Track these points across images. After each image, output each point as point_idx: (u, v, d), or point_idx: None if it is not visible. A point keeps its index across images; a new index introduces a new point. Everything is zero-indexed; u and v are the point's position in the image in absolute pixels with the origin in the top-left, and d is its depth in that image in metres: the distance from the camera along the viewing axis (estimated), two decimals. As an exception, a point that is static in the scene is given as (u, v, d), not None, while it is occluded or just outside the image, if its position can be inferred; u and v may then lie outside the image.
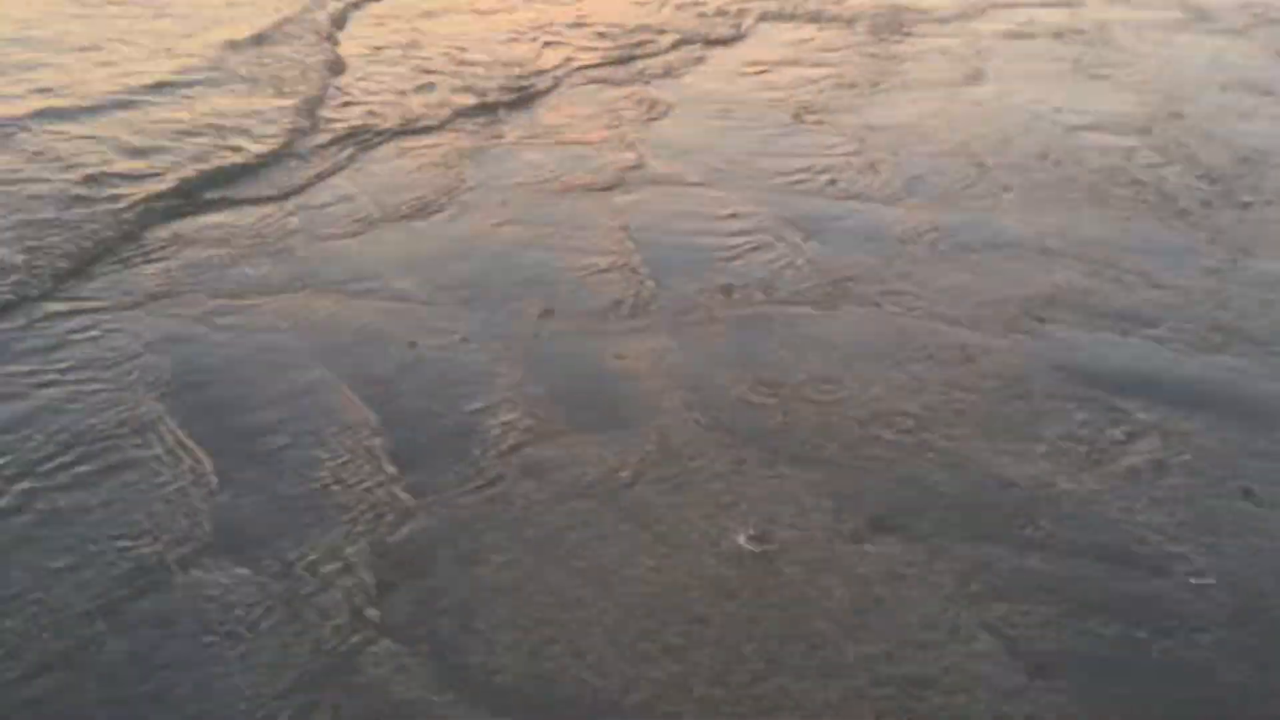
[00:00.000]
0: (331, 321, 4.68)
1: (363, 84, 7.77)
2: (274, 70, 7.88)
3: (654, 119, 7.31)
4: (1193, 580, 3.29)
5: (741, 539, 3.42)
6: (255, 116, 6.95)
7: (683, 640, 3.03)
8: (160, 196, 5.75)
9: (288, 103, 7.20)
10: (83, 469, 3.64)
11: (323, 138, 6.72)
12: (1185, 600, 3.21)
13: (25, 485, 3.55)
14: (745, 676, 2.91)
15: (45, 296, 4.75)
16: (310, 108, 7.11)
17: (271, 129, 6.75)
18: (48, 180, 5.82)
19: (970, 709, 2.83)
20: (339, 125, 6.92)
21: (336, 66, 8.06)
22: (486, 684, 2.88)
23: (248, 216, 5.65)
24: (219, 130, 6.67)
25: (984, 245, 5.52)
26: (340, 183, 6.15)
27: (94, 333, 4.49)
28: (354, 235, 5.52)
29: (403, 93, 7.58)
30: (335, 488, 3.60)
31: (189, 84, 7.40)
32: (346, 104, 7.32)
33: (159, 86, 7.24)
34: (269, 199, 5.88)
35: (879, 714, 2.81)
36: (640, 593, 3.20)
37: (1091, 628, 3.11)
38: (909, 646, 3.02)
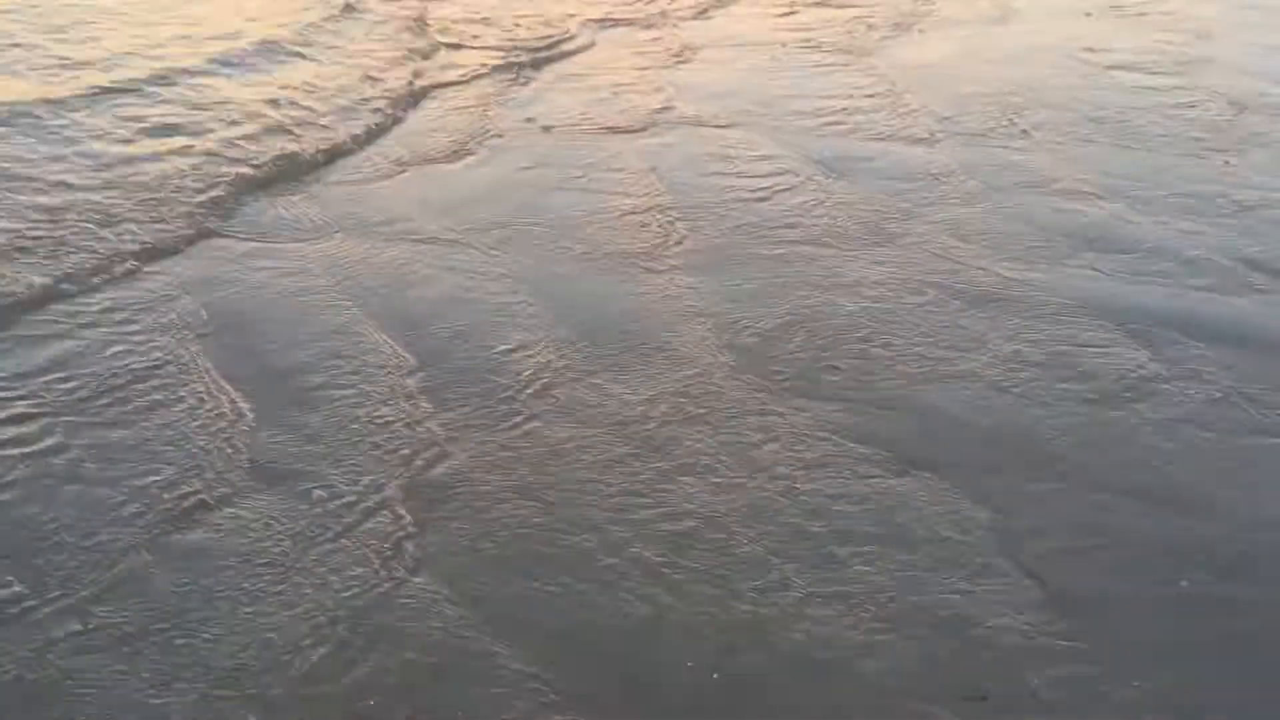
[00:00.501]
0: (365, 264, 4.71)
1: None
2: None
3: (682, 62, 7.27)
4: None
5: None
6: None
7: (713, 569, 3.06)
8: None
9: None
10: (125, 408, 3.70)
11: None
12: (1221, 539, 3.22)
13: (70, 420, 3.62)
14: (775, 604, 2.94)
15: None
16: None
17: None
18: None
19: (998, 641, 2.86)
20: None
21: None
22: (520, 620, 2.92)
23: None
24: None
25: (1014, 185, 5.49)
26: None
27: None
28: (388, 178, 5.55)
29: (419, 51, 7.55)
30: (371, 425, 3.64)
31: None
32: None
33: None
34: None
35: (905, 643, 2.84)
36: (670, 528, 3.24)
37: (1125, 566, 3.13)
38: (938, 579, 3.05)
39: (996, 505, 3.32)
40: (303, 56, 7.10)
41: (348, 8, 7.99)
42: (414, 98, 6.60)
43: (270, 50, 7.04)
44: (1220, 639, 2.89)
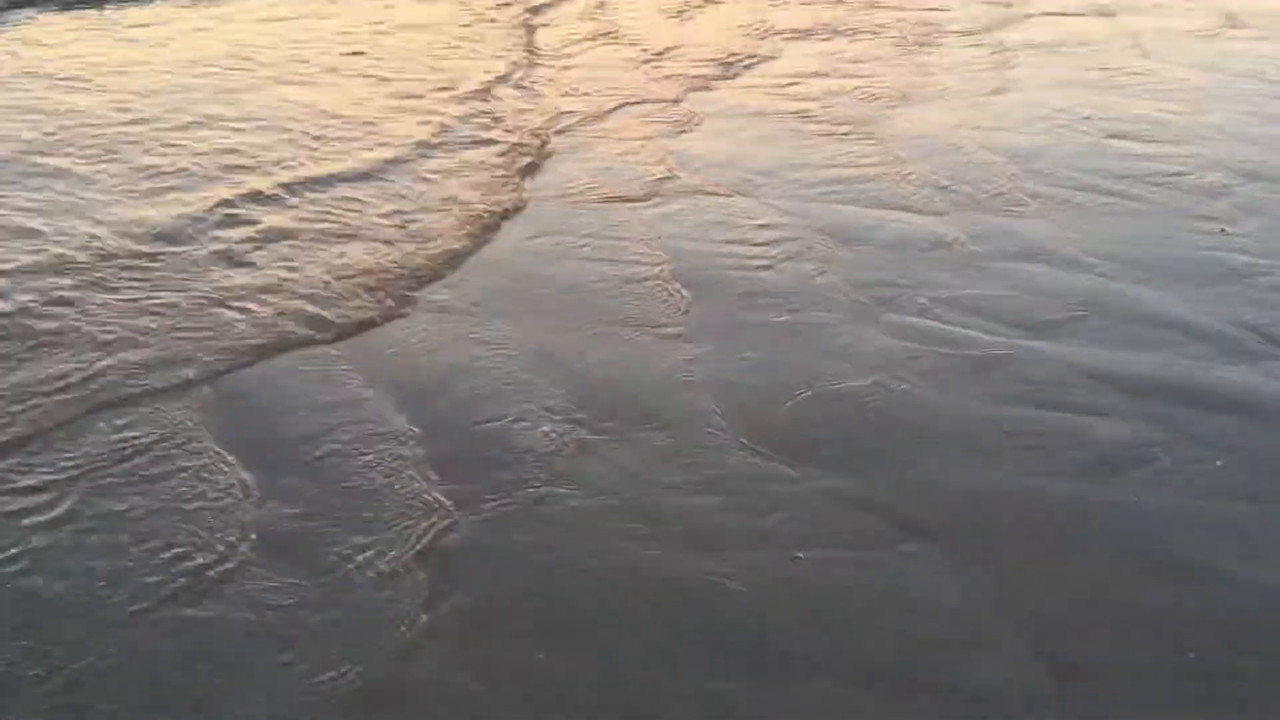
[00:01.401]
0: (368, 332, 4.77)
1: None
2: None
3: (685, 131, 7.37)
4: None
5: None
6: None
7: (718, 642, 3.08)
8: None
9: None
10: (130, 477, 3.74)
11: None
12: (1224, 609, 3.23)
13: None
14: (778, 677, 2.96)
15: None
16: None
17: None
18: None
19: (1000, 712, 2.86)
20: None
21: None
22: (531, 691, 2.93)
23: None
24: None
25: (1014, 253, 5.55)
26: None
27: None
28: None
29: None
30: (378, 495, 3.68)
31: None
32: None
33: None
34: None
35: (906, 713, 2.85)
36: (673, 597, 3.26)
37: (1126, 636, 3.14)
38: (940, 649, 3.06)
39: (997, 574, 3.34)
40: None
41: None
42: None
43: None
44: (1226, 710, 2.89)
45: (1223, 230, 5.77)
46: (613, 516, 3.60)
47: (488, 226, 5.79)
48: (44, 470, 3.74)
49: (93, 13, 9.61)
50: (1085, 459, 3.90)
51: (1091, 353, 4.58)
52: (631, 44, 9.50)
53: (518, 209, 6.02)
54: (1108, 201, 6.21)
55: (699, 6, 10.76)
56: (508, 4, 10.62)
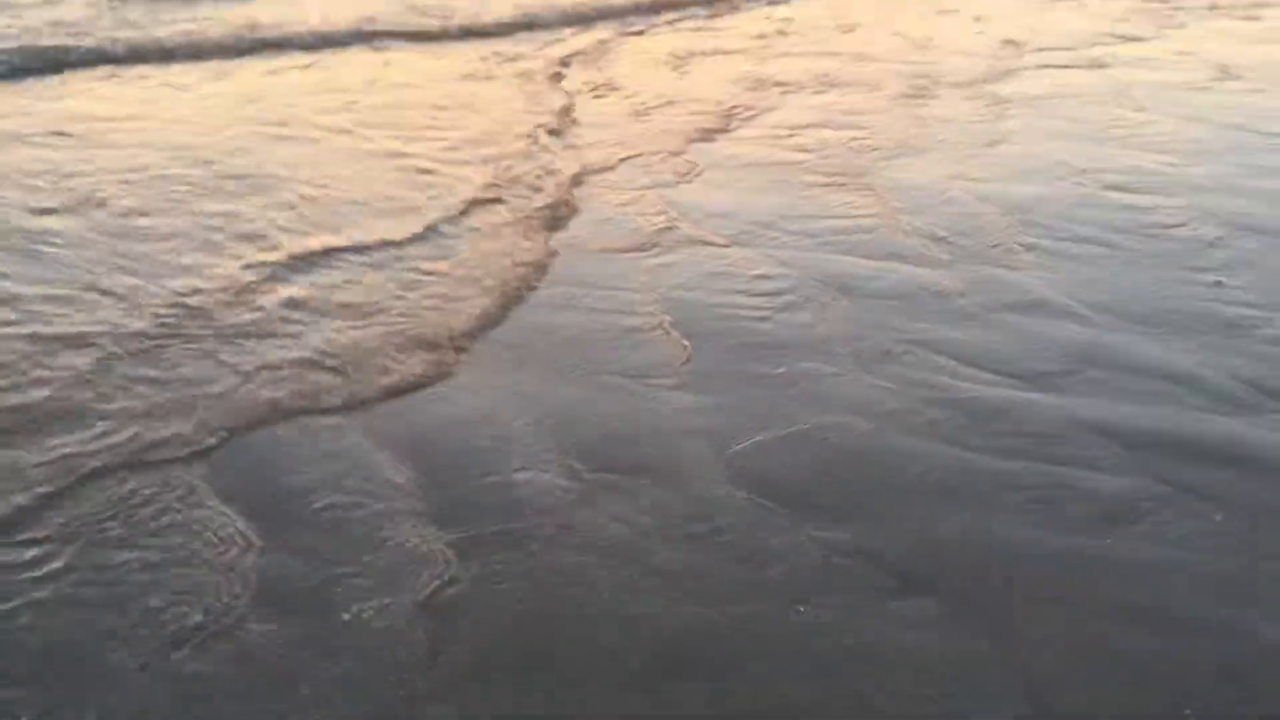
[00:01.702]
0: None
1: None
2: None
3: (685, 182, 7.43)
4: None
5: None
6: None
7: (718, 692, 3.09)
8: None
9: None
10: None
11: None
12: (1223, 664, 3.24)
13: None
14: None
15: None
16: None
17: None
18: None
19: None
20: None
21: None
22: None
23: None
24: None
25: (1013, 305, 5.59)
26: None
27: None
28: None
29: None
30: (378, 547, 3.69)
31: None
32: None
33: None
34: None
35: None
36: (674, 650, 3.27)
37: (1124, 689, 3.14)
38: (939, 702, 3.06)
39: (996, 629, 3.35)
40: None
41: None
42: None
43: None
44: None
45: (1218, 282, 5.82)
46: (613, 568, 3.61)
47: (495, 283, 5.83)
48: (42, 524, 3.76)
49: (113, 71, 9.74)
50: (1084, 512, 3.91)
51: (1089, 404, 4.60)
52: (629, 97, 9.61)
53: (521, 263, 6.05)
54: (1104, 253, 6.26)
55: (697, 59, 10.88)
56: (510, 59, 10.78)
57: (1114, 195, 7.19)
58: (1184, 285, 5.84)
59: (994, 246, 6.35)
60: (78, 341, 4.95)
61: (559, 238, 6.39)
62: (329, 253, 6.07)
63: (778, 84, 10.07)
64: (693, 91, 9.77)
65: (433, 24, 11.87)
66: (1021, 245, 6.36)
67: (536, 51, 11.11)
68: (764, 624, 3.37)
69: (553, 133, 8.43)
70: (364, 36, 11.27)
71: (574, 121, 8.74)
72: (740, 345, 5.17)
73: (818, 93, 9.84)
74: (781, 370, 4.92)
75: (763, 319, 5.44)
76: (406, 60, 10.69)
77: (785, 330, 5.32)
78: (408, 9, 12.44)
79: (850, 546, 3.72)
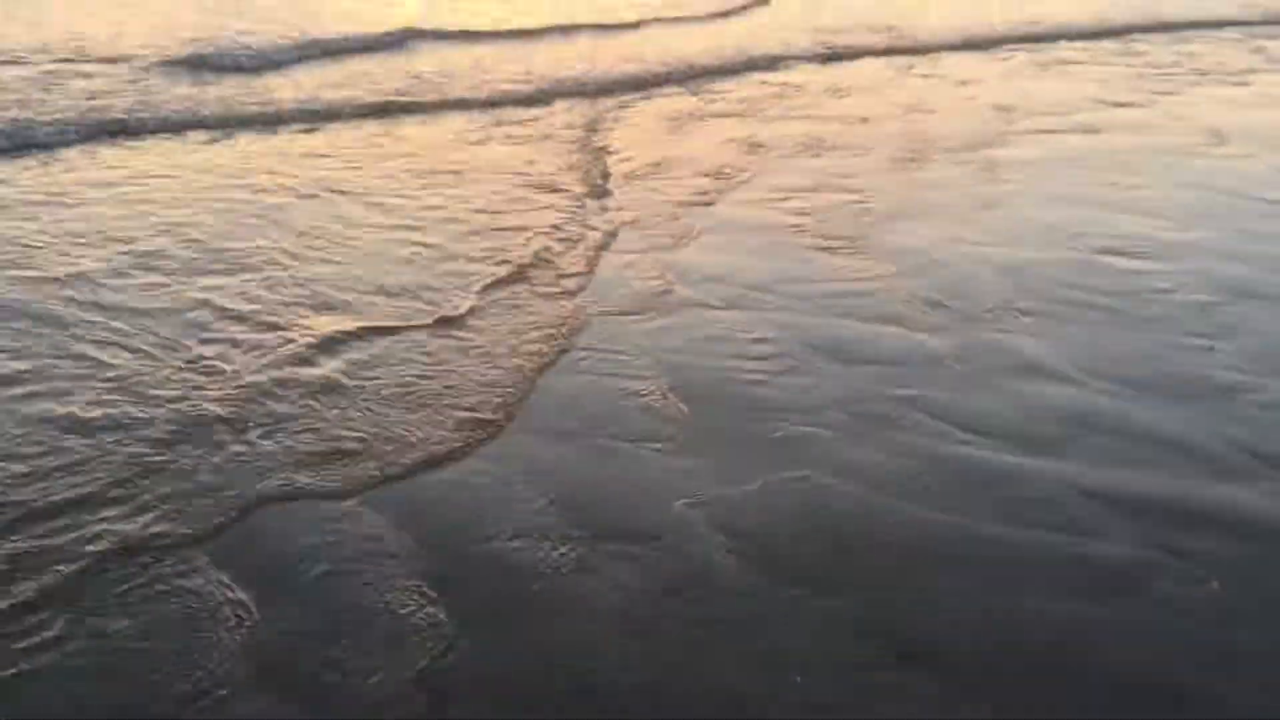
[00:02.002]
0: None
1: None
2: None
3: (682, 246, 7.49)
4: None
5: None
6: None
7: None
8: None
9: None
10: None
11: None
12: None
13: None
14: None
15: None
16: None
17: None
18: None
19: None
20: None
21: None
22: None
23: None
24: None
25: (1008, 369, 5.62)
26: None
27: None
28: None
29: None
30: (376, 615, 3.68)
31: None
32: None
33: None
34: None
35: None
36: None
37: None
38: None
39: (995, 701, 3.33)
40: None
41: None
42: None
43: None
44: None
45: (1211, 348, 5.85)
46: (611, 636, 3.61)
47: (496, 350, 5.86)
48: (38, 593, 3.75)
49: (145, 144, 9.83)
50: (1083, 580, 3.91)
51: (1087, 471, 4.62)
52: (625, 159, 9.70)
53: (518, 330, 6.07)
54: (1098, 317, 6.30)
55: (694, 123, 11.01)
56: (498, 124, 10.89)
57: (1107, 260, 7.25)
58: (1178, 350, 5.87)
59: (990, 310, 6.39)
60: (92, 424, 4.92)
61: (559, 303, 6.42)
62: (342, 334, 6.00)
63: (773, 148, 10.17)
64: (689, 155, 9.86)
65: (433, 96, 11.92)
66: (1017, 309, 6.40)
67: (530, 121, 11.19)
68: (762, 693, 3.35)
69: (552, 193, 8.50)
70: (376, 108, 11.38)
71: (573, 188, 8.81)
72: (738, 409, 5.18)
73: (814, 156, 9.94)
74: (779, 435, 4.94)
75: (760, 383, 5.46)
76: (407, 131, 10.77)
77: (782, 394, 5.33)
78: (412, 79, 12.57)
79: (848, 614, 3.71)
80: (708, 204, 8.45)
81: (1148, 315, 6.34)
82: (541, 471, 4.60)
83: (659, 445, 4.84)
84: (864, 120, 11.33)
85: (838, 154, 10.02)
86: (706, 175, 9.21)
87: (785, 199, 8.57)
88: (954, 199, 8.66)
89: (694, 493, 4.45)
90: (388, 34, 14.85)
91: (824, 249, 7.43)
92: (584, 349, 5.80)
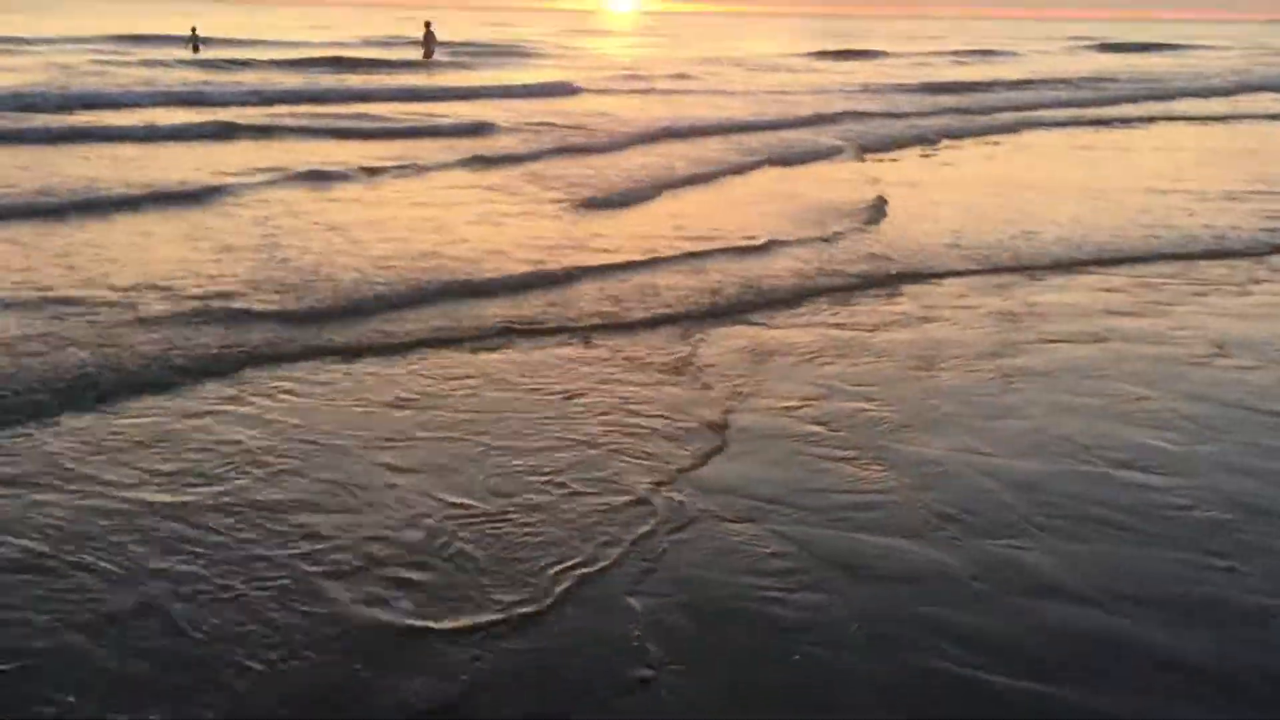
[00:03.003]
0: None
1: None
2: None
3: (695, 469, 7.49)
4: None
5: None
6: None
7: None
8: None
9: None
10: None
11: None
12: None
13: None
14: None
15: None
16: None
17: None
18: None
19: None
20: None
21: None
22: None
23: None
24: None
25: (1024, 589, 5.55)
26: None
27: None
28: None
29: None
30: None
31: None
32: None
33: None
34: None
35: None
36: None
37: None
38: None
39: None
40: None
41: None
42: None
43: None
44: None
45: (1232, 569, 5.79)
46: None
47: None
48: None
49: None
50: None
51: (1112, 702, 4.51)
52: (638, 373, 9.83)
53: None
54: (1115, 534, 6.26)
55: (702, 329, 11.15)
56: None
57: (1122, 474, 7.24)
58: (1199, 570, 5.81)
59: (1004, 526, 6.35)
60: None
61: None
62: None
63: (784, 355, 10.29)
64: (703, 360, 9.97)
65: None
66: (1032, 525, 6.37)
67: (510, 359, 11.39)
68: None
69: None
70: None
71: (567, 412, 8.90)
72: (752, 629, 5.11)
73: (827, 362, 10.04)
74: (796, 658, 4.85)
75: (774, 600, 5.39)
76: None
77: (796, 613, 5.27)
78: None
79: None
80: (727, 413, 8.50)
81: (1165, 533, 6.29)
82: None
83: (673, 668, 4.74)
84: (875, 329, 11.48)
85: (848, 361, 10.11)
86: (720, 382, 9.29)
87: (799, 407, 8.63)
88: (966, 407, 8.70)
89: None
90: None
91: (837, 459, 7.44)
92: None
